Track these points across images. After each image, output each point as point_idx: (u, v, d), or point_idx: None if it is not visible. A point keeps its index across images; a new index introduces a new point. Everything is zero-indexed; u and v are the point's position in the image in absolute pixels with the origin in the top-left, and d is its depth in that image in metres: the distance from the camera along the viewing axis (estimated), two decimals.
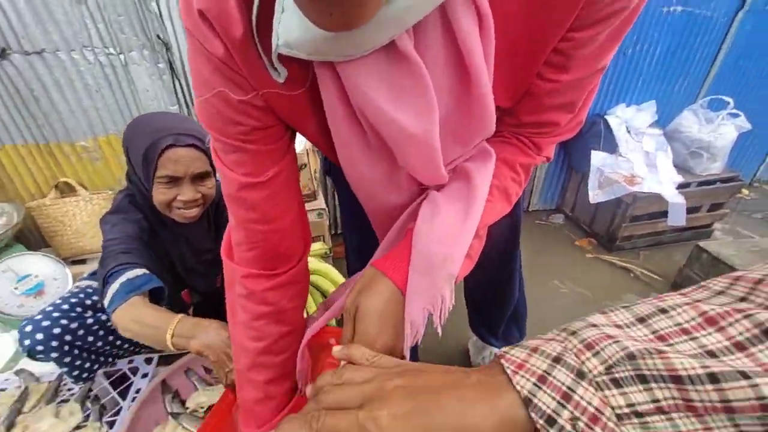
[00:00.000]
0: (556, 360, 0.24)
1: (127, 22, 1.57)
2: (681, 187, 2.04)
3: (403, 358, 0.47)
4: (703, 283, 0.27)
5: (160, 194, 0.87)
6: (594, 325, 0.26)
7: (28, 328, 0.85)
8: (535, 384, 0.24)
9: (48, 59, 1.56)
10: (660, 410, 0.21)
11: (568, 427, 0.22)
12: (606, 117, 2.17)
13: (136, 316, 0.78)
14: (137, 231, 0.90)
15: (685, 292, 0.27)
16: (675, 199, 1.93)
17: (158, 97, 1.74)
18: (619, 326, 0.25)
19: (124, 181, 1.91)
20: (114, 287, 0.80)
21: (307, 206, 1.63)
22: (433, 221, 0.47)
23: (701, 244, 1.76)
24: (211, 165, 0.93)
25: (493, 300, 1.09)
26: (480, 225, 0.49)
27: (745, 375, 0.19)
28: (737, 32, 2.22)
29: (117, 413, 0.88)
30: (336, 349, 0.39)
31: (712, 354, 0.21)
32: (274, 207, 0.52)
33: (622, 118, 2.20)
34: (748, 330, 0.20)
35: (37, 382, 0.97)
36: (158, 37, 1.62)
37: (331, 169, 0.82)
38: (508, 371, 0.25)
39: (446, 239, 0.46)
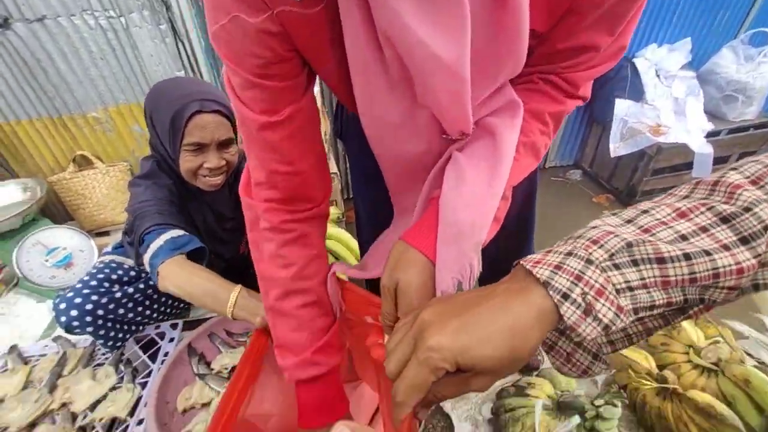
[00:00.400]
0: (568, 254, 0.29)
1: None
2: (711, 135, 1.92)
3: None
4: (669, 192, 0.33)
5: (186, 162, 0.86)
6: (594, 227, 0.31)
7: (62, 306, 0.90)
8: (551, 271, 0.28)
9: (50, 26, 1.53)
10: (644, 286, 0.27)
11: (579, 299, 0.27)
12: (633, 60, 2.01)
13: (185, 279, 0.80)
14: (168, 195, 0.91)
15: (656, 200, 0.33)
16: (702, 149, 1.83)
17: (163, 62, 1.70)
18: (612, 226, 0.31)
19: (137, 153, 1.93)
20: (158, 243, 0.81)
21: None
22: (459, 188, 0.45)
23: None
24: (234, 132, 0.91)
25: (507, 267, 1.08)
26: (507, 185, 0.47)
27: (707, 252, 0.26)
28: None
29: (148, 375, 0.95)
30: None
31: (684, 237, 0.27)
32: (293, 148, 0.51)
33: (651, 60, 2.03)
34: (709, 219, 0.27)
35: (73, 347, 1.04)
36: None
37: (343, 130, 0.79)
38: (527, 266, 0.30)
39: (473, 206, 0.45)
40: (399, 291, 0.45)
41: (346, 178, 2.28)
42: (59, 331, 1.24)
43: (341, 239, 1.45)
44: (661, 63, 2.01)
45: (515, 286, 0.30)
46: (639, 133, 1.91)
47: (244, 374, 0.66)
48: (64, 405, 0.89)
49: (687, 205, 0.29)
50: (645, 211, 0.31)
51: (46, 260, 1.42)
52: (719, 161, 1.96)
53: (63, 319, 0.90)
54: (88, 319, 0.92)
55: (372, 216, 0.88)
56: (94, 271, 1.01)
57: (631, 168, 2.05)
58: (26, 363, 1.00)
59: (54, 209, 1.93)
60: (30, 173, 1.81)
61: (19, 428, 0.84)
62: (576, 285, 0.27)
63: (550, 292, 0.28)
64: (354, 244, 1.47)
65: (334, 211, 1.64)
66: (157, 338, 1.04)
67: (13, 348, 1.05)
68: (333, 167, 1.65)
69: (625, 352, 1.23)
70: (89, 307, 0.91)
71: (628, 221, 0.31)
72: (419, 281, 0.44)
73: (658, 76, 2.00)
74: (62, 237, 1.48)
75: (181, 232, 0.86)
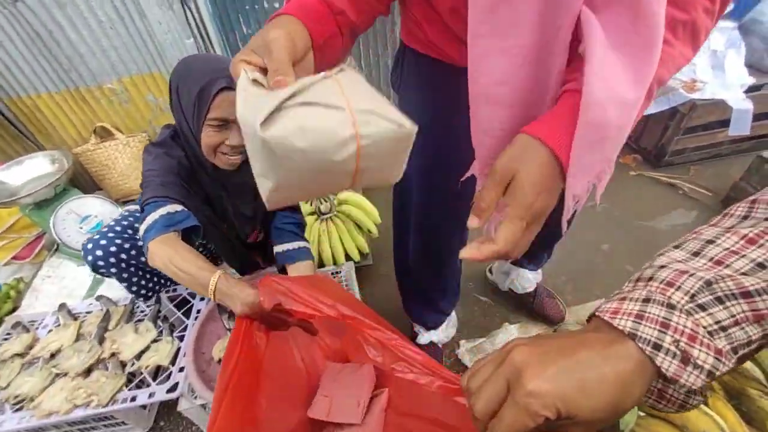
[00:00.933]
0: (646, 300, 0.29)
1: None
2: (752, 90, 1.79)
3: (558, 226, 0.48)
4: (725, 212, 0.33)
5: (208, 137, 0.85)
6: (663, 266, 0.30)
7: (89, 246, 0.95)
8: (634, 321, 0.28)
9: None
10: (736, 323, 0.26)
11: (673, 348, 0.26)
12: None
13: (172, 258, 0.80)
14: (176, 167, 0.91)
15: (714, 223, 0.33)
16: (741, 104, 1.71)
17: (172, 29, 1.67)
18: (680, 262, 0.30)
19: (154, 123, 1.95)
20: (153, 217, 0.82)
21: None
22: (604, 82, 0.37)
23: (765, 153, 1.58)
24: None
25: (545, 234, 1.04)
26: (655, 80, 0.40)
27: None
28: None
29: (184, 329, 1.02)
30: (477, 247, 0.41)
31: (762, 266, 0.26)
32: None
33: None
34: None
35: (115, 305, 1.13)
36: None
37: (402, 78, 0.73)
38: (606, 318, 0.29)
39: (622, 106, 0.39)
40: (515, 182, 0.41)
41: None
42: (101, 290, 1.33)
43: (361, 205, 1.46)
44: None
45: (605, 337, 0.29)
46: (672, 89, 1.80)
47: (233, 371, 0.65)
48: (113, 355, 0.97)
49: (754, 230, 0.28)
50: (710, 241, 0.30)
51: (81, 227, 1.49)
52: (760, 117, 1.84)
53: (89, 258, 0.95)
54: (112, 260, 0.96)
55: (425, 207, 0.82)
56: (120, 218, 1.05)
57: (661, 127, 1.95)
58: (75, 319, 1.09)
59: (82, 179, 2.00)
60: (55, 145, 1.87)
61: (77, 373, 0.93)
62: (665, 333, 0.26)
63: (640, 344, 0.27)
64: (373, 209, 1.47)
65: None
66: (189, 297, 1.10)
67: (63, 306, 1.13)
68: None
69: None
70: (113, 249, 0.96)
71: (695, 254, 0.30)
72: (540, 177, 0.41)
73: None
74: (93, 205, 1.54)
75: (179, 208, 0.86)
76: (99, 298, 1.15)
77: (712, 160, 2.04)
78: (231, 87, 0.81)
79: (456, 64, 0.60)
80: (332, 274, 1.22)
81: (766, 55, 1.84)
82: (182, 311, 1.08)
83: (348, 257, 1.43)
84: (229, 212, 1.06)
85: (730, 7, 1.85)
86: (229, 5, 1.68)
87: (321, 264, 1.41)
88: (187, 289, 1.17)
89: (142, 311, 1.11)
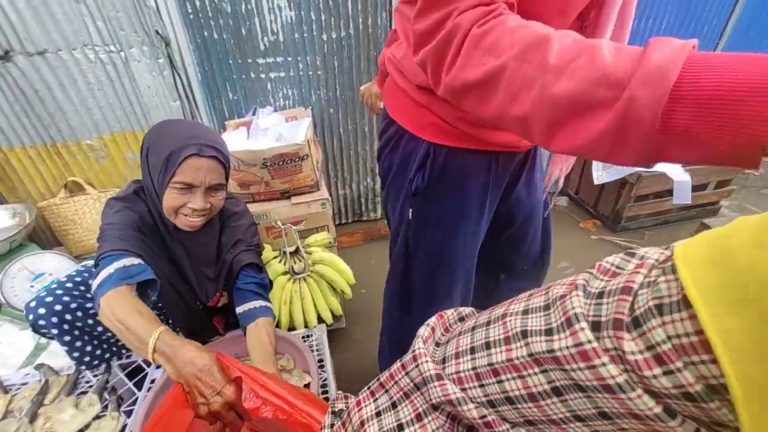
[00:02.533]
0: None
1: (126, 19, 1.57)
2: (686, 164, 2.01)
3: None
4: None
5: (171, 198, 0.86)
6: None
7: (33, 303, 0.89)
8: None
9: (50, 59, 1.58)
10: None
11: None
12: None
13: (116, 311, 0.75)
14: (137, 221, 0.90)
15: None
16: (681, 177, 1.91)
17: (159, 93, 1.75)
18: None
19: (129, 180, 1.95)
20: (108, 271, 0.78)
21: (310, 197, 1.65)
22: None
23: (706, 221, 1.74)
24: (226, 179, 0.94)
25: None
26: None
27: None
28: (746, 2, 2.14)
29: (134, 403, 0.92)
30: None
31: None
32: None
33: None
34: None
35: (56, 375, 1.01)
36: (157, 32, 1.63)
37: (431, 180, 0.70)
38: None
39: None
40: None
41: (338, 205, 2.31)
42: (42, 358, 1.20)
43: (334, 264, 1.45)
44: None
45: None
46: None
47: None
48: None
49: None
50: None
51: (32, 286, 1.39)
52: (698, 188, 2.05)
53: (30, 316, 0.88)
54: (54, 319, 0.89)
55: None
56: (74, 273, 0.98)
57: (614, 195, 2.12)
58: (6, 392, 0.97)
59: (42, 235, 1.91)
60: (19, 198, 1.80)
61: None
62: None
63: None
64: (346, 268, 1.47)
65: (325, 236, 1.65)
66: (143, 364, 1.01)
67: None
68: (325, 193, 1.68)
69: None
70: (58, 307, 0.89)
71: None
72: None
73: None
74: (49, 262, 1.46)
75: (136, 261, 0.83)
76: (38, 366, 1.04)
77: (663, 226, 2.21)
78: (200, 154, 0.85)
79: (509, 146, 0.65)
80: (303, 337, 1.17)
81: None
82: (135, 381, 0.99)
83: (320, 319, 1.39)
84: (190, 273, 1.03)
85: None
86: (217, 74, 1.80)
87: (292, 326, 1.36)
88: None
89: (87, 382, 1.01)
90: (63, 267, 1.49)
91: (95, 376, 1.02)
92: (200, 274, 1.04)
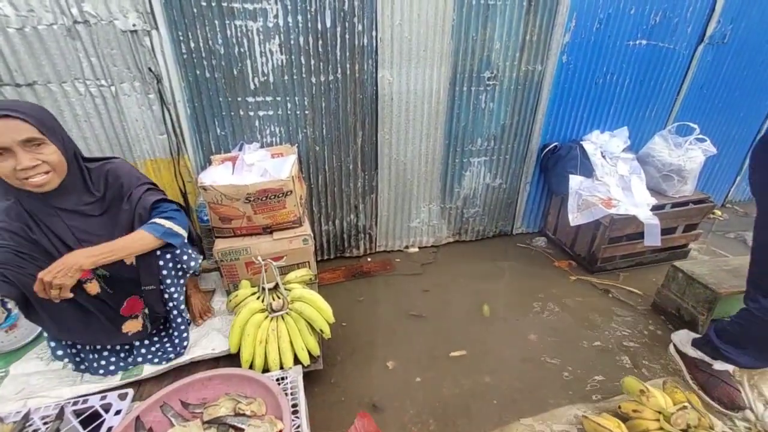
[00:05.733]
0: None
1: (120, 56, 1.62)
2: (656, 208, 2.12)
3: None
4: None
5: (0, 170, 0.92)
6: None
7: None
8: None
9: (39, 91, 1.59)
10: None
11: None
12: (582, 143, 2.27)
13: None
14: (6, 221, 0.99)
15: None
16: (650, 220, 2.01)
17: (147, 126, 1.77)
18: None
19: None
20: None
21: (293, 233, 1.65)
22: None
23: (676, 263, 1.81)
24: (43, 133, 0.96)
25: None
26: None
27: None
28: (699, 64, 2.38)
29: None
30: None
31: None
32: None
33: (596, 143, 2.30)
34: None
35: (1, 422, 0.93)
36: (150, 69, 1.67)
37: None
38: None
39: None
40: None
41: (320, 240, 2.30)
42: None
43: (314, 302, 1.43)
44: (605, 146, 2.29)
45: None
46: (593, 204, 2.10)
47: None
48: None
49: None
50: None
51: None
52: (667, 231, 2.15)
53: None
54: None
55: None
56: None
57: (590, 236, 2.20)
58: None
59: None
60: None
61: None
62: None
63: None
64: (326, 306, 1.44)
65: (306, 273, 1.63)
66: (101, 410, 0.95)
67: None
68: (307, 229, 1.68)
69: (598, 419, 1.21)
70: None
71: None
72: None
73: (604, 156, 2.26)
74: None
75: None
76: None
77: (638, 267, 2.28)
78: None
79: None
80: (277, 379, 1.12)
81: (662, 181, 2.25)
82: (88, 430, 0.91)
83: (297, 360, 1.34)
84: (83, 241, 1.08)
85: (628, 142, 2.32)
86: (206, 110, 1.84)
87: (266, 368, 1.30)
88: (102, 398, 1.01)
89: (36, 430, 0.93)
90: None
91: (45, 423, 0.94)
92: (92, 237, 1.09)
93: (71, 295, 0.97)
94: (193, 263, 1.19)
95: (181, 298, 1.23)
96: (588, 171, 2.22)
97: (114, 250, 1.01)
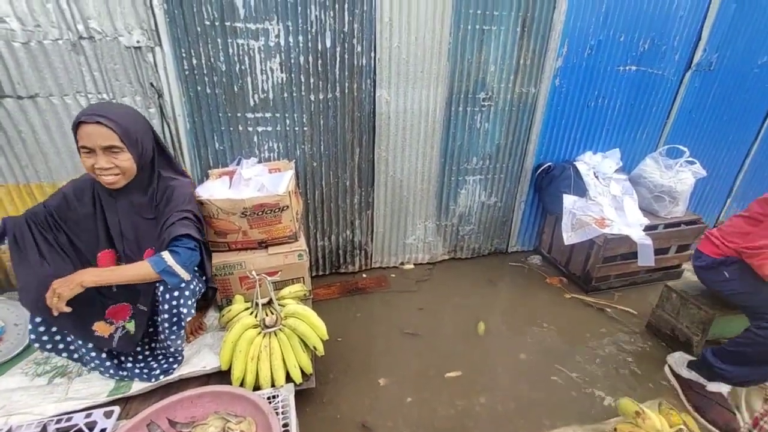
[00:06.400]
0: None
1: (122, 71, 1.65)
2: (649, 228, 2.15)
3: None
4: None
5: (84, 161, 1.11)
6: None
7: None
8: None
9: (40, 103, 1.61)
10: None
11: None
12: (575, 163, 2.32)
13: None
14: (71, 192, 1.21)
15: None
16: (643, 240, 2.03)
17: None
18: None
19: None
20: None
21: (288, 248, 1.65)
22: None
23: (670, 284, 1.82)
24: (123, 142, 1.11)
25: None
26: None
27: None
28: (687, 89, 2.46)
29: None
30: None
31: None
32: None
33: (589, 164, 2.35)
34: None
35: None
36: (151, 84, 1.70)
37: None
38: None
39: None
40: None
41: (316, 256, 2.30)
42: None
43: (307, 318, 1.41)
44: (598, 167, 2.33)
45: None
46: (587, 224, 2.12)
47: None
48: None
49: None
50: None
51: None
52: (661, 252, 2.17)
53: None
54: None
55: None
56: None
57: (584, 255, 2.21)
58: None
59: None
60: None
61: None
62: None
63: None
64: (320, 323, 1.43)
65: (300, 288, 1.62)
66: (85, 429, 0.92)
67: None
68: (303, 245, 1.68)
69: None
70: None
71: None
72: None
73: (596, 176, 2.30)
74: None
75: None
76: None
77: (632, 287, 2.29)
78: (86, 122, 1.06)
79: None
80: (268, 398, 1.10)
81: (654, 202, 2.28)
82: None
83: (289, 378, 1.32)
84: (124, 232, 1.22)
85: (620, 163, 2.36)
86: (206, 125, 1.86)
87: (257, 385, 1.28)
88: (87, 416, 0.98)
89: None
90: (12, 315, 1.38)
91: None
92: (137, 229, 1.23)
93: (68, 309, 1.06)
94: (184, 310, 1.18)
95: (175, 328, 1.21)
96: (581, 191, 2.25)
97: (115, 275, 1.12)
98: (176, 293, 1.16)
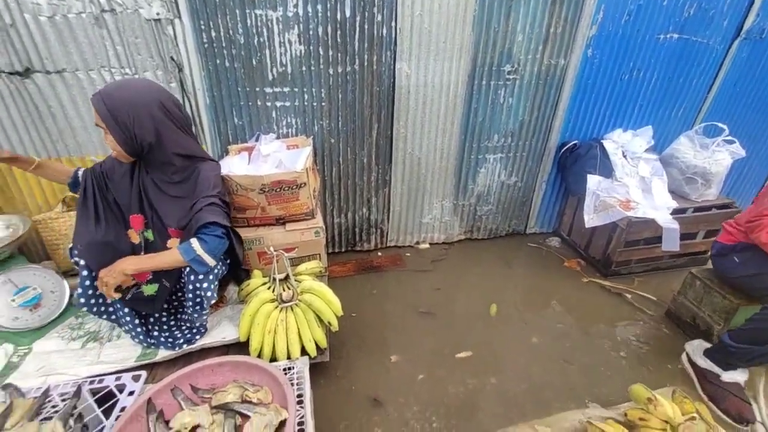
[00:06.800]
0: None
1: (144, 45, 1.65)
2: (677, 212, 2.05)
3: None
4: None
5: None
6: None
7: None
8: None
9: (67, 78, 1.64)
10: None
11: None
12: (602, 141, 2.21)
13: None
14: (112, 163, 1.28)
15: None
16: (669, 224, 1.94)
17: None
18: None
19: None
20: None
21: (305, 224, 1.67)
22: None
23: (695, 270, 1.76)
24: (109, 124, 1.11)
25: None
26: None
27: None
28: (734, 60, 2.26)
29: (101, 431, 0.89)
30: None
31: None
32: None
33: (618, 142, 2.23)
34: None
35: (22, 397, 0.98)
36: (172, 58, 1.70)
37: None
38: None
39: None
40: None
41: (332, 233, 2.32)
42: (11, 378, 1.18)
43: (323, 294, 1.45)
44: (627, 146, 2.21)
45: None
46: (610, 206, 2.04)
47: None
48: None
49: None
50: None
51: (13, 299, 1.37)
52: (687, 237, 2.08)
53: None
54: None
55: None
56: None
57: (605, 239, 2.15)
58: None
59: (33, 248, 1.91)
60: (16, 210, 1.81)
61: None
62: None
63: None
64: (335, 299, 1.46)
65: (316, 265, 1.65)
66: (116, 391, 0.99)
67: None
68: (320, 222, 1.70)
69: (602, 426, 1.20)
70: None
71: None
72: None
73: (625, 156, 2.19)
74: (35, 276, 1.44)
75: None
76: (5, 387, 1.00)
77: (654, 272, 2.22)
78: (91, 100, 1.10)
79: None
80: (284, 369, 1.15)
81: (685, 184, 2.17)
82: (104, 408, 0.96)
83: (304, 351, 1.37)
84: (152, 202, 1.26)
85: (651, 142, 2.23)
86: (225, 100, 1.86)
87: (273, 357, 1.34)
88: (116, 379, 1.06)
89: (54, 406, 0.97)
90: (48, 282, 1.47)
91: (63, 400, 0.99)
92: (166, 202, 1.26)
93: (117, 296, 1.17)
94: (209, 294, 1.23)
95: (199, 308, 1.28)
96: (607, 171, 2.16)
97: (153, 263, 1.18)
98: (200, 277, 1.21)
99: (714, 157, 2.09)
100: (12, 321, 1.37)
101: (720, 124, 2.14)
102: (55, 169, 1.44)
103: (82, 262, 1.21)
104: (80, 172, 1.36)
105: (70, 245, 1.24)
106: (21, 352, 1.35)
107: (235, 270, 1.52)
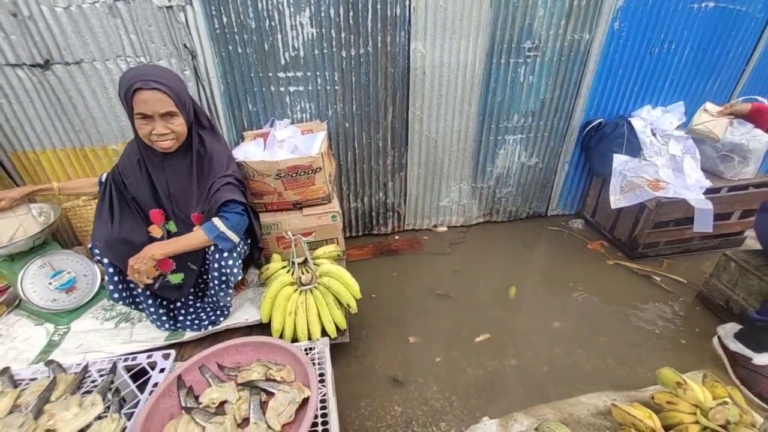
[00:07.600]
0: None
1: (157, 33, 1.66)
2: (710, 192, 1.95)
3: None
4: None
5: (140, 129, 1.12)
6: None
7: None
8: None
9: (86, 69, 1.67)
10: None
11: None
12: (630, 119, 2.10)
13: None
14: (127, 154, 1.29)
15: None
16: (702, 204, 1.85)
17: None
18: None
19: None
20: None
21: (321, 209, 1.67)
22: None
23: (729, 252, 1.67)
24: (178, 107, 1.12)
25: None
26: None
27: None
28: None
29: (136, 406, 0.94)
30: None
31: None
32: None
33: (647, 120, 2.12)
34: None
35: (64, 372, 1.04)
36: (185, 46, 1.70)
37: None
38: None
39: None
40: None
41: (349, 217, 2.32)
42: (54, 355, 1.24)
43: (342, 277, 1.46)
44: (657, 123, 2.10)
45: None
46: (638, 186, 1.96)
47: None
48: None
49: None
50: None
51: (50, 282, 1.44)
52: (721, 217, 1.98)
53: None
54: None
55: None
56: None
57: (632, 220, 2.07)
58: (16, 386, 1.00)
59: (64, 234, 1.99)
60: (47, 199, 1.88)
61: None
62: None
63: None
64: (353, 282, 1.47)
65: (334, 249, 1.66)
66: (148, 368, 1.03)
67: (5, 370, 1.05)
68: (336, 206, 1.70)
69: (628, 408, 1.17)
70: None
71: None
72: None
73: (654, 134, 2.08)
74: (69, 261, 1.51)
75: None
76: (48, 363, 1.07)
77: (684, 254, 2.13)
78: (144, 88, 1.05)
79: None
80: (305, 350, 1.17)
81: (719, 162, 2.05)
82: (138, 383, 1.00)
83: (324, 332, 1.39)
84: (173, 194, 1.27)
85: (683, 119, 2.11)
86: (239, 86, 1.86)
87: (295, 338, 1.36)
88: (148, 357, 1.10)
89: (93, 381, 1.03)
90: (81, 267, 1.54)
91: (101, 375, 1.04)
92: (182, 193, 1.27)
93: (150, 281, 1.18)
94: (235, 270, 1.26)
95: (224, 287, 1.30)
96: (635, 150, 2.06)
97: (178, 247, 1.19)
98: (225, 254, 1.23)
99: (752, 132, 1.96)
100: (51, 303, 1.45)
101: (760, 98, 2.00)
102: (77, 185, 1.49)
103: (105, 260, 1.24)
104: (104, 177, 1.39)
105: (89, 245, 1.27)
106: (61, 331, 1.43)
107: (252, 249, 1.54)
